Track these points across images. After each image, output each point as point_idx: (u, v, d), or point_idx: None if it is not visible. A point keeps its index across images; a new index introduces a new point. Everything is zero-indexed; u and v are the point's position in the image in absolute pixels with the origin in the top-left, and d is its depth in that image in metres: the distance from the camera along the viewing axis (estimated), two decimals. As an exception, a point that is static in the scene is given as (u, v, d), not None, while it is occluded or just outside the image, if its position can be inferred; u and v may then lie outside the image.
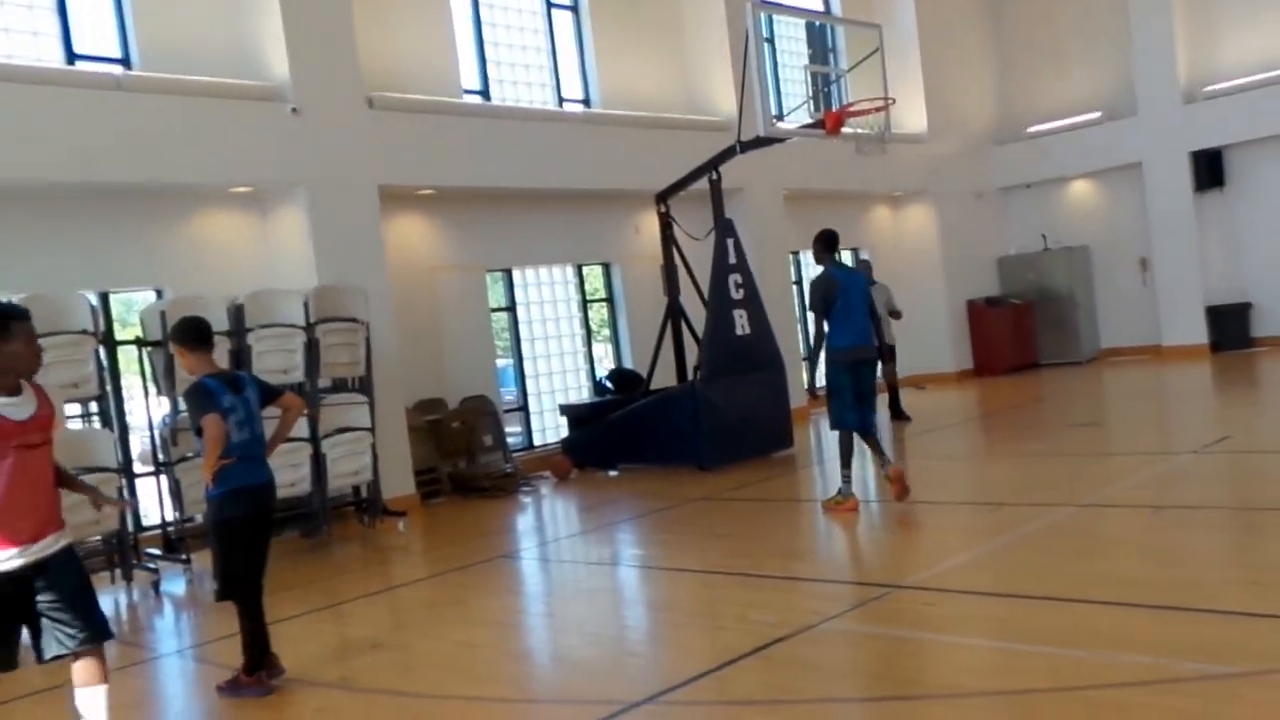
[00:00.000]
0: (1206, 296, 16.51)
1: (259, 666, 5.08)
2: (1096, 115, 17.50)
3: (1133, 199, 17.28)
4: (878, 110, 10.80)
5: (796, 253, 16.21)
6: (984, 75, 18.71)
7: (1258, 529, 6.54)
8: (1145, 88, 16.76)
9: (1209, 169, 16.42)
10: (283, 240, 10.22)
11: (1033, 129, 18.25)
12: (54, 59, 9.22)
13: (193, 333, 5.10)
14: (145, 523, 8.91)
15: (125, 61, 9.57)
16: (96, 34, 9.52)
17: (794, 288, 15.83)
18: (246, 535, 5.10)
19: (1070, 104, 17.85)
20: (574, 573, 7.75)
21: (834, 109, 10.99)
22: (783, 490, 9.83)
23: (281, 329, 8.87)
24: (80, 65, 9.29)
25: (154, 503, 8.69)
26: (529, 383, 12.78)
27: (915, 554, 6.74)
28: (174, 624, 7.51)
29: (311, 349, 8.96)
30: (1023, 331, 17.78)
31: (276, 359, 8.73)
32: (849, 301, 7.91)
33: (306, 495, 8.92)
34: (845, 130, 10.62)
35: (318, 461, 8.87)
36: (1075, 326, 17.71)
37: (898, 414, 13.09)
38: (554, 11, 13.24)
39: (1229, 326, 16.38)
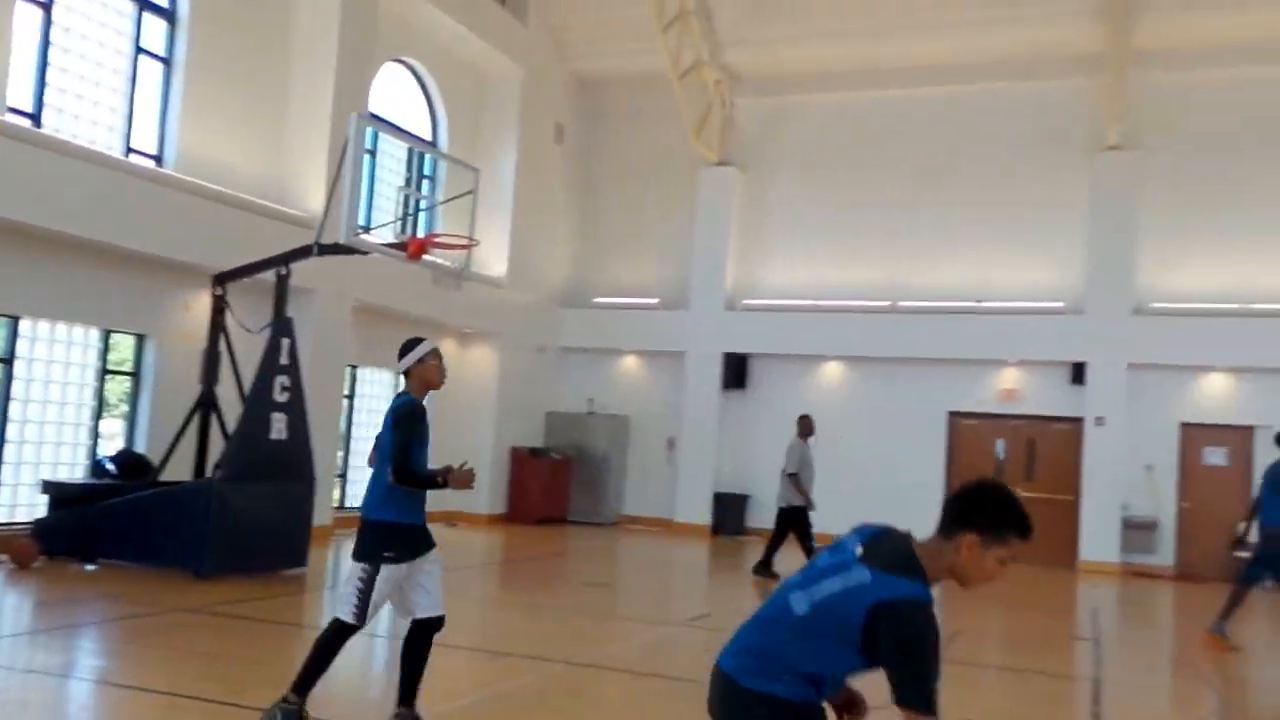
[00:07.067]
0: (716, 483, 18.39)
1: None
2: (655, 301, 19.25)
3: (673, 383, 18.98)
4: (461, 248, 11.03)
5: (355, 367, 15.79)
6: (567, 240, 19.91)
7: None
8: (698, 289, 18.77)
9: (736, 371, 18.56)
10: None
11: (599, 300, 19.63)
12: None
13: None
14: None
15: None
16: None
17: (345, 401, 15.30)
18: None
19: (635, 286, 19.48)
20: (6, 681, 6.53)
21: (419, 236, 11.08)
22: (284, 612, 9.15)
23: None
24: None
25: None
26: (8, 449, 10.97)
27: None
28: None
29: None
30: (558, 485, 18.53)
31: None
32: None
33: None
34: (426, 258, 10.70)
35: None
36: (604, 489, 18.79)
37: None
38: (141, 57, 12.16)
39: (729, 513, 18.24)
